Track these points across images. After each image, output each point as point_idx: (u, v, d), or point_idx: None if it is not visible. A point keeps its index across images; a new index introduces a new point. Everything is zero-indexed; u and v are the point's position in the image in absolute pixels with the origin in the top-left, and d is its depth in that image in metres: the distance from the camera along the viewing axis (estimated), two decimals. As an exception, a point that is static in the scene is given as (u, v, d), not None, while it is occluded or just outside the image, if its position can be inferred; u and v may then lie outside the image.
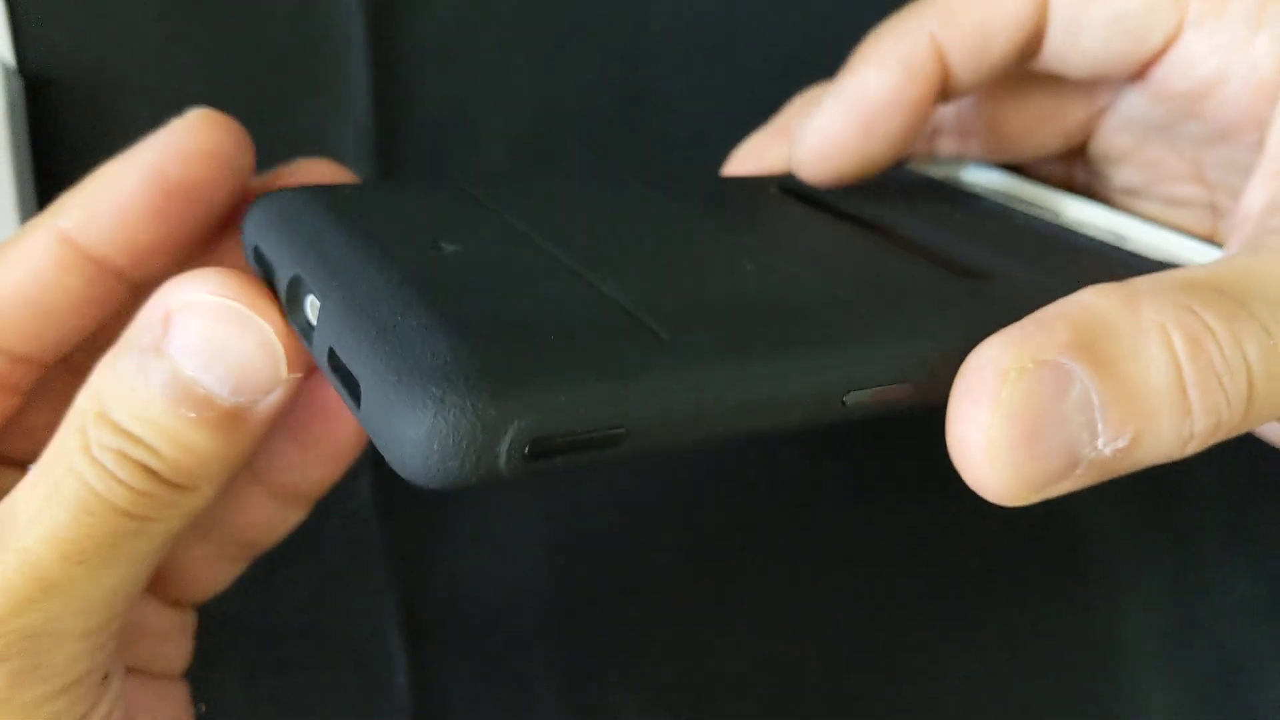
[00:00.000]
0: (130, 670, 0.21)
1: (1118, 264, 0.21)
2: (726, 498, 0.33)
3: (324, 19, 0.28)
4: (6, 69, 0.26)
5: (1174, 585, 0.35)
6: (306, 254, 0.16)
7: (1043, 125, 0.24)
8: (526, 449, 0.13)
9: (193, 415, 0.15)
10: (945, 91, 0.21)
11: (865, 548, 0.34)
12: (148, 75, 0.27)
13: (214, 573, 0.22)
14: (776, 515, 0.33)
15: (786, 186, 0.23)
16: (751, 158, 0.25)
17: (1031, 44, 0.21)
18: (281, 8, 0.28)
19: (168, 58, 0.28)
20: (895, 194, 0.23)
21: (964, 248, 0.20)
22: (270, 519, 0.22)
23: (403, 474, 0.13)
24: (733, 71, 0.30)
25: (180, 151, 0.18)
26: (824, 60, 0.30)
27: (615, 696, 0.33)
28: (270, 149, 0.29)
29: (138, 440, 0.15)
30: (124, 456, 0.15)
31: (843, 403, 0.15)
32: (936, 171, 0.25)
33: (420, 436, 0.12)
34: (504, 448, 0.12)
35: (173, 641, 0.22)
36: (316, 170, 0.21)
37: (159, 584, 0.22)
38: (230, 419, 0.16)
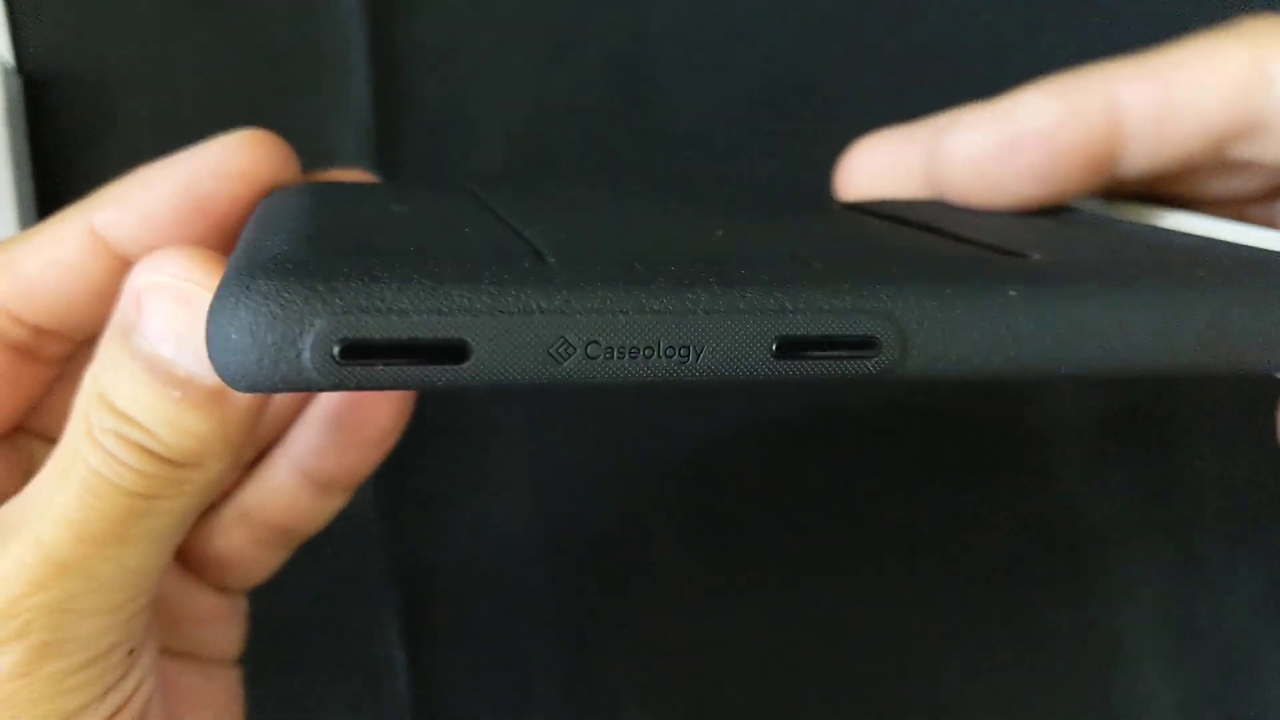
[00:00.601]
0: (178, 653, 0.21)
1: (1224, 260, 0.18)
2: (728, 494, 0.33)
3: (323, 18, 0.28)
4: (5, 68, 0.26)
5: (1177, 583, 0.35)
6: (268, 224, 0.16)
7: (1239, 174, 0.21)
8: (337, 349, 0.11)
9: (178, 395, 0.15)
10: (1111, 159, 0.19)
11: (867, 544, 0.34)
12: (146, 74, 0.28)
13: (256, 559, 0.22)
14: (777, 512, 0.33)
15: (866, 208, 0.21)
16: (874, 153, 0.23)
17: (1233, 137, 0.19)
18: (280, 6, 0.28)
19: (167, 57, 0.28)
20: (1007, 217, 0.20)
21: (1027, 240, 0.18)
22: (309, 506, 0.22)
23: (217, 372, 0.12)
24: (732, 71, 0.30)
25: (217, 166, 0.18)
26: (824, 59, 0.30)
27: (616, 695, 0.33)
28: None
29: (134, 422, 0.16)
30: (123, 438, 0.16)
31: (772, 352, 0.13)
32: (1102, 209, 0.22)
33: (224, 325, 0.12)
34: (308, 342, 0.11)
35: (220, 626, 0.22)
36: (350, 176, 0.22)
37: (201, 568, 0.22)
38: (216, 397, 0.16)
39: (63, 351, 0.20)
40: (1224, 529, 0.35)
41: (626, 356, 0.12)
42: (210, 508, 0.22)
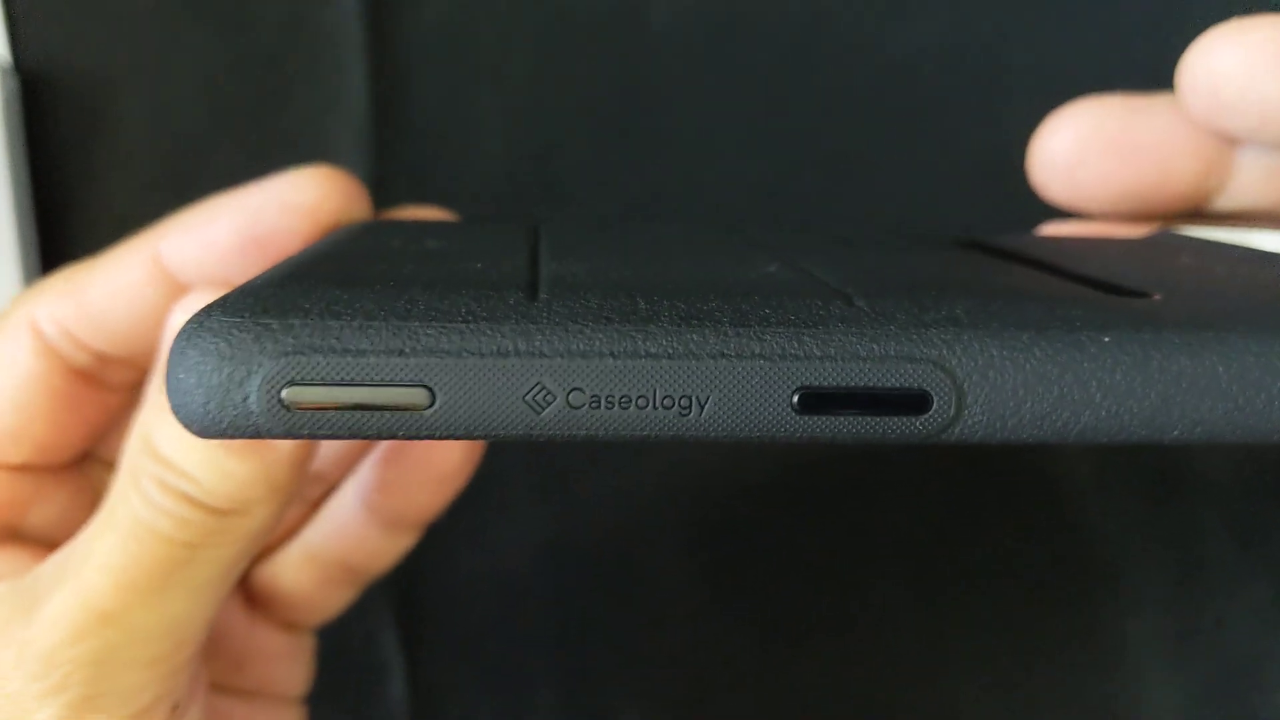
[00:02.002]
0: (242, 691, 0.21)
1: None
2: (727, 499, 0.33)
3: (320, 17, 0.28)
4: (3, 67, 0.26)
5: (1181, 586, 0.34)
6: (285, 260, 0.15)
7: None
8: (285, 394, 0.10)
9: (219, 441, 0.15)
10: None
11: (867, 549, 0.34)
12: (143, 74, 0.27)
13: (324, 597, 0.22)
14: (777, 517, 0.33)
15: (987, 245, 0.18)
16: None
17: None
18: (278, 6, 0.28)
19: (164, 57, 0.28)
20: (1148, 253, 0.18)
21: (1156, 279, 0.15)
22: (377, 545, 0.22)
23: (175, 415, 0.11)
24: (732, 70, 0.30)
25: (282, 201, 0.18)
26: (824, 59, 0.30)
27: (615, 701, 0.33)
28: (267, 148, 0.29)
29: (176, 467, 0.15)
30: (165, 485, 0.15)
31: (794, 404, 0.11)
32: (1211, 235, 0.20)
33: (175, 365, 0.11)
34: (255, 385, 0.10)
35: (286, 664, 0.22)
36: (425, 213, 0.22)
37: (268, 606, 0.22)
38: (255, 442, 0.15)
39: (129, 379, 0.20)
40: (1228, 534, 0.35)
41: (616, 407, 0.11)
42: (277, 545, 0.22)
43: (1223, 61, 0.17)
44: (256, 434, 0.11)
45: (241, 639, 0.21)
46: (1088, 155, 0.19)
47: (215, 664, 0.21)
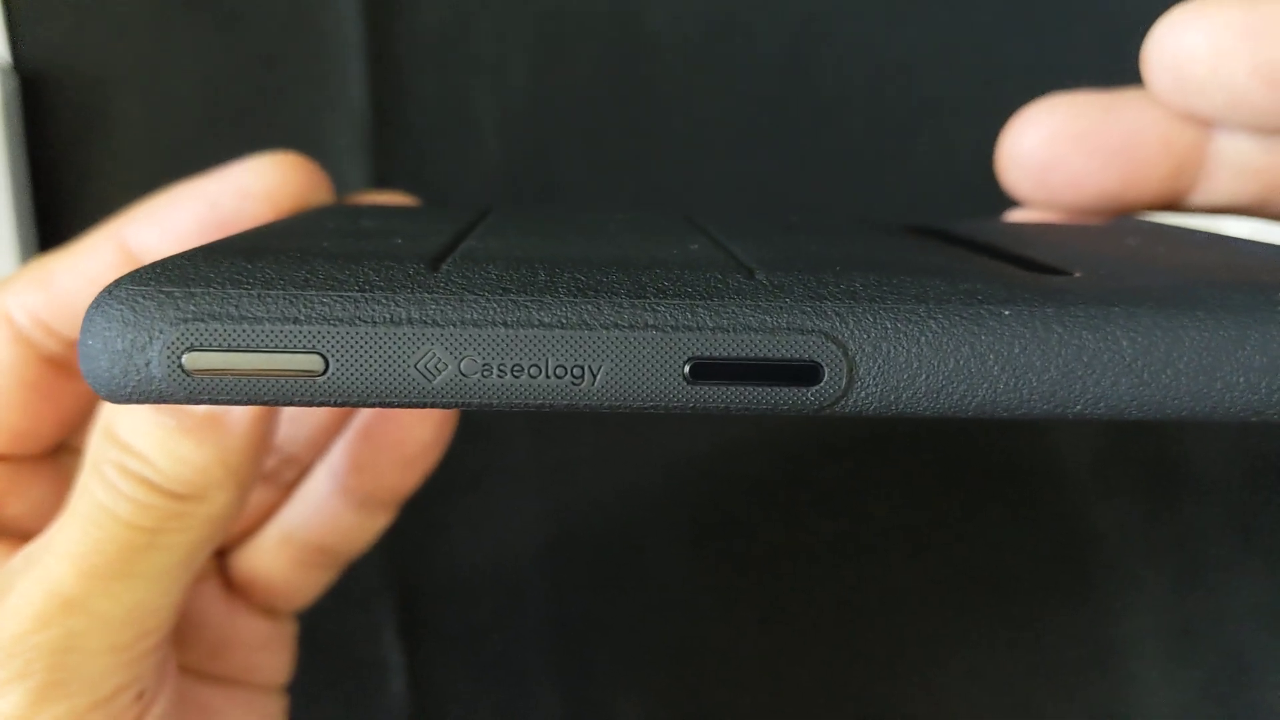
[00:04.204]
0: (223, 679, 0.21)
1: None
2: (726, 494, 0.33)
3: (320, 15, 0.28)
4: (2, 66, 0.26)
5: (1180, 584, 0.34)
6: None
7: None
8: (184, 359, 0.11)
9: (172, 423, 0.15)
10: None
11: (867, 545, 0.34)
12: (142, 72, 0.27)
13: (301, 580, 0.22)
14: (777, 512, 0.33)
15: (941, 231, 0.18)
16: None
17: None
18: (278, 7, 0.28)
19: (163, 55, 0.28)
20: (1098, 235, 0.18)
21: (1087, 257, 0.15)
22: (351, 525, 0.22)
23: (85, 379, 0.11)
24: (731, 68, 0.30)
25: (242, 187, 0.18)
26: (823, 59, 0.30)
27: (615, 696, 0.33)
28: (266, 148, 0.29)
29: (134, 451, 0.15)
30: (124, 469, 0.15)
31: (684, 374, 0.11)
32: (1179, 221, 0.20)
33: (86, 331, 0.11)
34: (156, 351, 0.11)
35: (267, 651, 0.22)
36: (388, 199, 0.22)
37: (246, 591, 0.22)
38: (208, 425, 0.16)
39: None
40: (1226, 533, 0.35)
41: (509, 375, 0.11)
42: (253, 530, 0.22)
43: (1189, 39, 0.17)
44: (160, 398, 0.11)
45: (220, 625, 0.21)
46: (1057, 153, 0.18)
47: (194, 651, 0.21)
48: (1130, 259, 0.15)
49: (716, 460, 0.33)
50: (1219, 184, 0.18)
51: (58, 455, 0.20)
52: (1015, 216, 0.21)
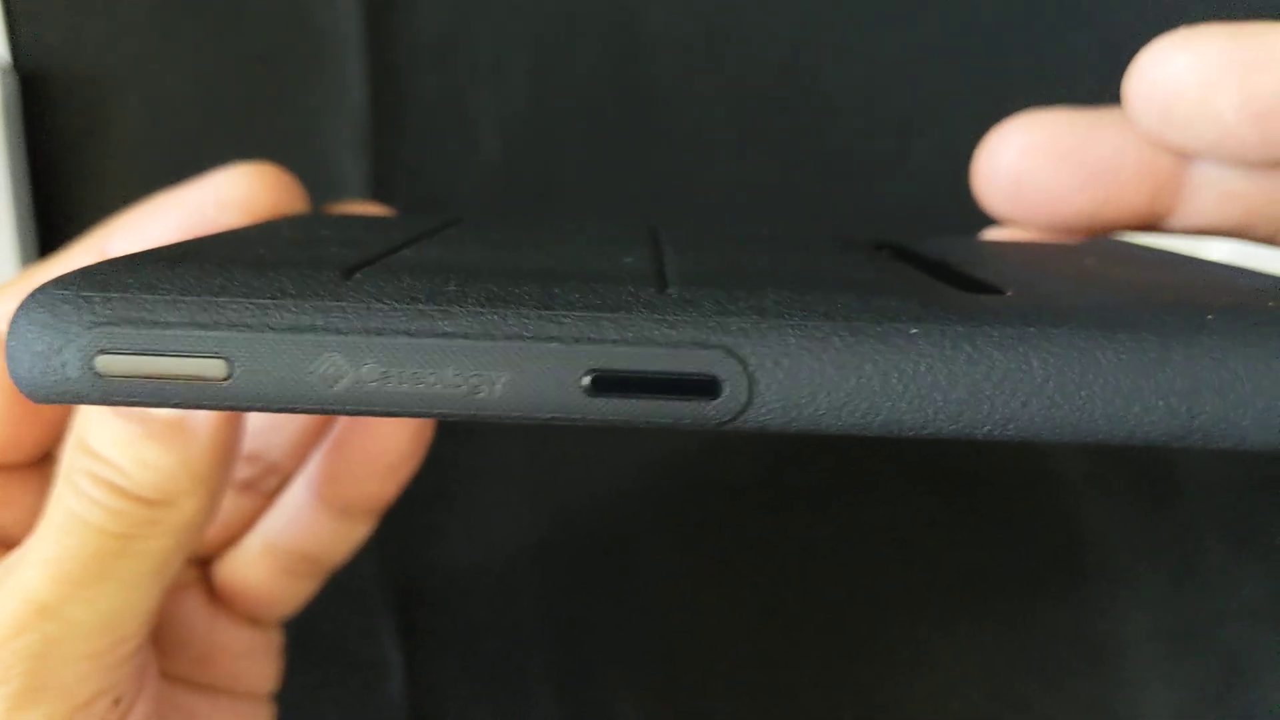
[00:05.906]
0: (209, 688, 0.21)
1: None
2: (722, 495, 0.33)
3: (319, 16, 0.28)
4: (2, 66, 0.26)
5: (1177, 586, 0.35)
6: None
7: None
8: (97, 362, 0.11)
9: (139, 430, 0.15)
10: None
11: (864, 545, 0.34)
12: (143, 72, 0.27)
13: (285, 589, 0.22)
14: (772, 513, 0.33)
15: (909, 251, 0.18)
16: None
17: None
18: (277, 7, 0.28)
19: (162, 55, 0.28)
20: (1062, 255, 0.17)
21: (1028, 276, 0.15)
22: (330, 534, 0.22)
23: (12, 378, 0.12)
24: (731, 69, 0.30)
25: (219, 197, 0.19)
26: (822, 59, 0.30)
27: (613, 697, 0.33)
28: (266, 148, 0.29)
29: (103, 458, 0.16)
30: (95, 476, 0.16)
31: (584, 386, 0.11)
32: (1157, 242, 0.19)
33: (13, 334, 0.11)
34: (72, 353, 0.11)
35: (252, 660, 0.22)
36: (361, 209, 0.22)
37: (230, 600, 0.22)
38: (173, 430, 0.16)
39: None
40: (1224, 534, 0.35)
41: (408, 384, 0.11)
42: (236, 539, 0.22)
43: (1176, 74, 0.16)
44: (77, 399, 0.11)
45: (204, 634, 0.21)
46: (1032, 170, 0.18)
47: (179, 660, 0.21)
48: (1076, 279, 0.15)
49: (713, 460, 0.33)
50: (1200, 207, 0.18)
51: (43, 465, 0.20)
52: (992, 234, 0.21)
